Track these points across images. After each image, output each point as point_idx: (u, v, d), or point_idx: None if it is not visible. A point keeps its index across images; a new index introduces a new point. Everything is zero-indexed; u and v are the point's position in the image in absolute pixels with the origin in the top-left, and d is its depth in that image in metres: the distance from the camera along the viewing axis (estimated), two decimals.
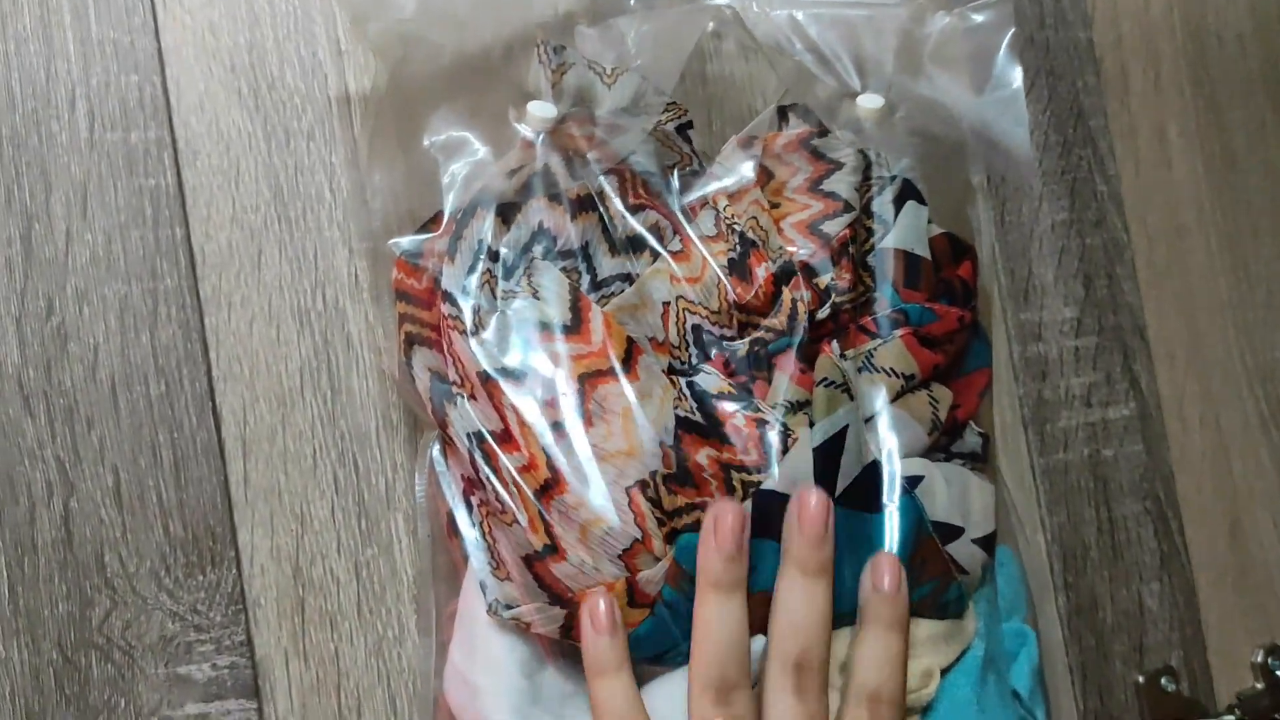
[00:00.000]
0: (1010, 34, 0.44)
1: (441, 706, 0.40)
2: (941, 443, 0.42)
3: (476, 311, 0.38)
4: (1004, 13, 0.44)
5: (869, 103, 0.43)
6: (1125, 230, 0.51)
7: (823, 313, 0.39)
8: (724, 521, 0.36)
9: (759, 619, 0.37)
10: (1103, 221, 0.51)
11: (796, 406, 0.38)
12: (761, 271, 0.40)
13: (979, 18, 0.44)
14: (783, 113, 0.43)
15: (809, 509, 0.37)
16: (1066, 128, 0.51)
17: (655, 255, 0.40)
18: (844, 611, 0.38)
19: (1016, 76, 0.44)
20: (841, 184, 0.41)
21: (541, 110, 0.40)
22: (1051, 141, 0.51)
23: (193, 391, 0.43)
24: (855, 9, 0.44)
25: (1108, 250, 0.51)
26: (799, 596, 0.37)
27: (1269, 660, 0.50)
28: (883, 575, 0.38)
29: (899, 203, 0.42)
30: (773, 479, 0.37)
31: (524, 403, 0.37)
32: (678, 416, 0.38)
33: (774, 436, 0.37)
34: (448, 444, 0.40)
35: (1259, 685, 0.50)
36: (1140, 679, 0.49)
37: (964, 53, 0.44)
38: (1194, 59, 0.53)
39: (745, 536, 0.37)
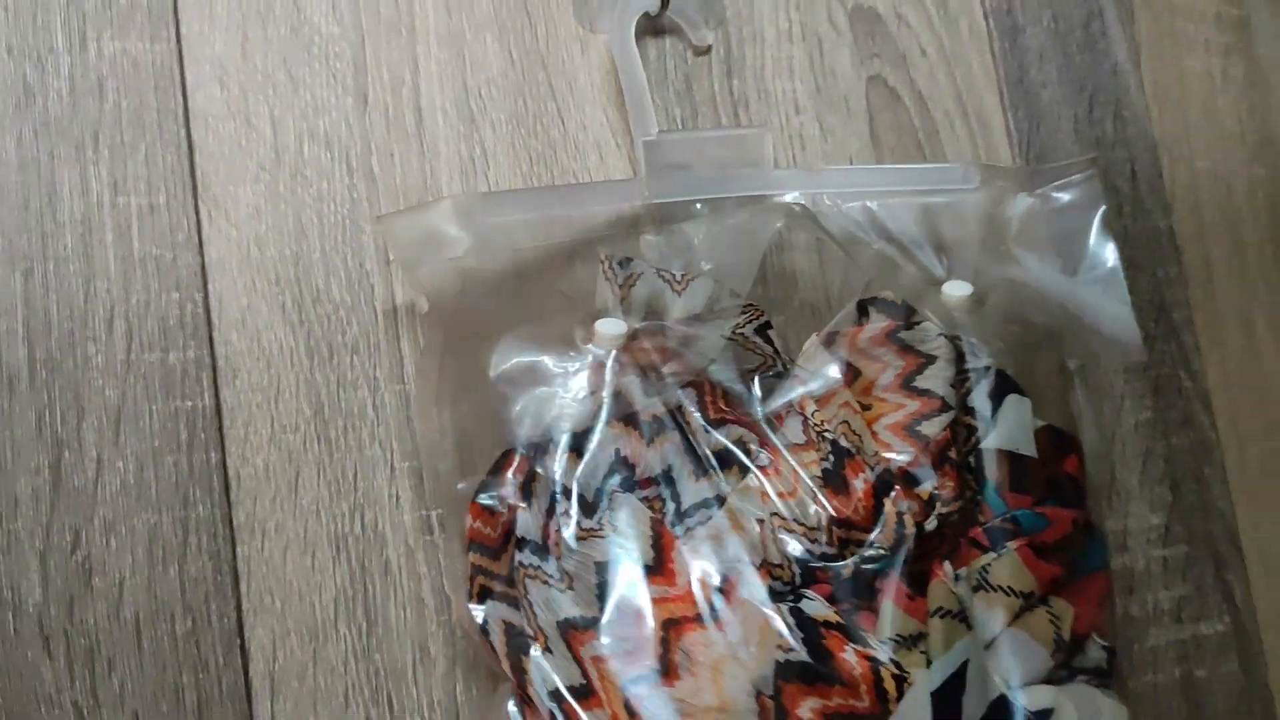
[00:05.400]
0: (1101, 211, 0.41)
1: None
2: (1063, 660, 0.36)
3: (552, 555, 0.35)
4: (1092, 190, 0.42)
5: (956, 290, 0.40)
6: (1214, 429, 0.47)
7: (929, 526, 0.35)
8: None
9: None
10: (1189, 420, 0.47)
11: (910, 641, 0.33)
12: (859, 483, 0.35)
13: (1065, 196, 0.42)
14: (863, 307, 0.40)
15: None
16: (1148, 321, 0.48)
17: (744, 471, 0.36)
18: None
19: (1112, 254, 0.41)
20: (936, 380, 0.37)
21: (611, 328, 0.37)
22: None
23: (220, 628, 0.39)
24: (932, 196, 0.41)
25: (1195, 451, 0.47)
26: None
27: None
28: None
29: (997, 396, 0.38)
30: None
31: (604, 654, 0.33)
32: (777, 663, 0.33)
33: (888, 678, 0.32)
34: (525, 704, 0.36)
35: None
36: None
37: (1052, 233, 0.42)
38: None
39: None
